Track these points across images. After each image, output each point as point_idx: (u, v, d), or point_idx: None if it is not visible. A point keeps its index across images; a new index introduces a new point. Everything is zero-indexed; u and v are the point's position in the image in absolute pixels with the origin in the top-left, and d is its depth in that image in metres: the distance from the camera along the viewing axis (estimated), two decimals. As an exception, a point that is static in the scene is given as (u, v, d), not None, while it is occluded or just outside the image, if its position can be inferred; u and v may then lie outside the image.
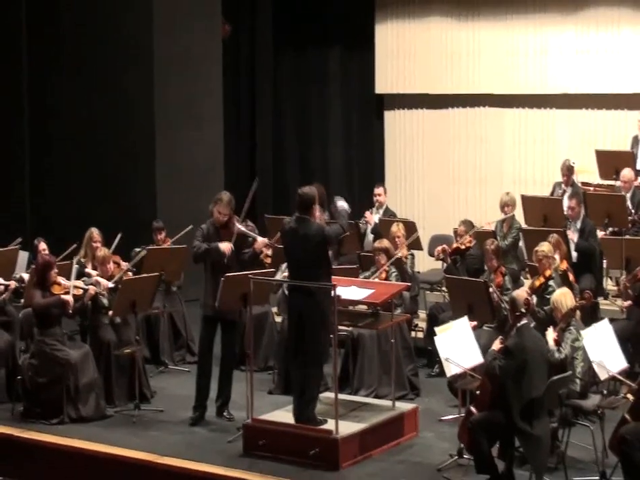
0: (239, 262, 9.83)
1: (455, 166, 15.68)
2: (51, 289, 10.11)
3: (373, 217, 12.92)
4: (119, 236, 11.24)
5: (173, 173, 14.31)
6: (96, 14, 14.43)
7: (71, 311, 10.15)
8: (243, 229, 9.94)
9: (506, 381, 8.07)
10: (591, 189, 12.73)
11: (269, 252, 11.09)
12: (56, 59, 14.80)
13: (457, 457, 8.72)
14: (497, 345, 8.38)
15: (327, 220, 11.70)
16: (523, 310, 8.31)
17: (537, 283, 10.09)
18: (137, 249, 11.49)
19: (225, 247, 9.63)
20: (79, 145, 14.67)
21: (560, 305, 8.94)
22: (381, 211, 13.12)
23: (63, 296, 10.04)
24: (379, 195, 13.27)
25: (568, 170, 12.74)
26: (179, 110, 14.40)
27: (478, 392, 8.50)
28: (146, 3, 14.13)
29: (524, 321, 8.29)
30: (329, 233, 8.89)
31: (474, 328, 9.58)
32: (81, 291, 10.34)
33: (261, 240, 10.06)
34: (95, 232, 11.52)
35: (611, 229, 11.96)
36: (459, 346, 8.95)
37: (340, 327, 9.37)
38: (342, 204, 9.23)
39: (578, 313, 9.14)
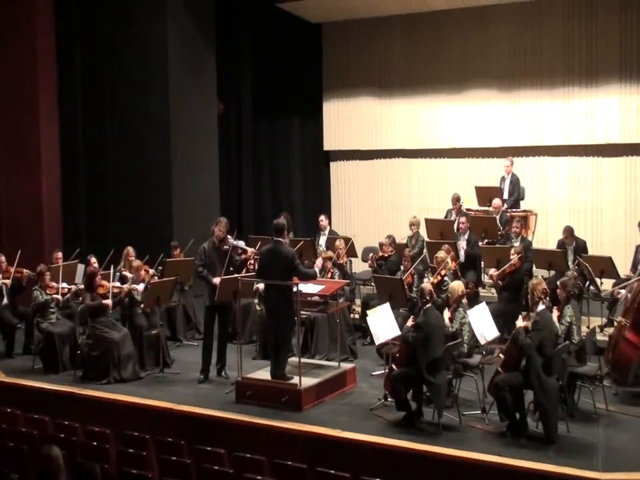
0: (232, 267, 9.83)
1: (379, 199, 15.65)
2: (96, 290, 10.07)
3: (321, 240, 12.89)
4: (147, 257, 11.19)
5: (184, 205, 14.22)
6: (129, 97, 14.37)
7: (110, 310, 10.10)
8: (235, 242, 9.97)
9: (417, 347, 8.11)
10: (472, 212, 12.80)
11: (252, 260, 11.10)
12: (102, 128, 14.70)
13: (383, 400, 8.75)
14: (410, 323, 8.43)
15: (291, 239, 11.79)
16: (428, 298, 8.38)
17: (435, 281, 10.09)
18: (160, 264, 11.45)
19: (216, 281, 9.61)
20: (119, 188, 14.59)
21: (454, 292, 9.01)
22: (326, 232, 13.08)
23: (104, 301, 9.97)
24: (321, 220, 13.15)
25: (456, 200, 12.84)
26: (188, 162, 14.36)
27: (397, 355, 8.54)
28: (163, 89, 14.08)
29: (428, 305, 8.36)
30: (297, 264, 8.83)
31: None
32: (118, 289, 10.33)
33: (250, 250, 10.13)
34: (130, 249, 11.49)
35: (486, 240, 12.01)
36: (384, 323, 8.98)
37: (301, 312, 9.37)
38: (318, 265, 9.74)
39: (465, 299, 9.21)
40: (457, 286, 9.10)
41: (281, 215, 9.40)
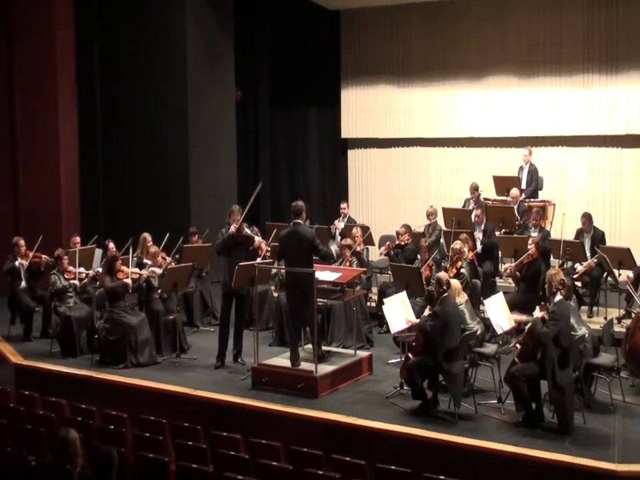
0: (246, 257, 9.86)
1: (396, 187, 15.57)
2: (117, 274, 10.09)
3: (340, 224, 12.91)
4: (166, 237, 11.16)
5: (200, 194, 14.20)
6: (147, 85, 14.36)
7: (130, 291, 10.15)
8: (248, 231, 10.01)
9: (434, 336, 8.08)
10: (490, 202, 12.74)
11: (269, 248, 11.09)
12: (120, 116, 14.70)
13: (399, 388, 8.73)
14: (427, 312, 8.40)
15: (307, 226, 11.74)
16: (445, 287, 8.35)
17: (452, 274, 9.80)
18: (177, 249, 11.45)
19: (233, 228, 9.61)
20: (136, 177, 14.57)
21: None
22: (346, 219, 13.07)
23: (125, 280, 10.02)
24: (344, 208, 13.22)
25: (475, 189, 12.77)
26: (205, 151, 14.32)
27: (413, 343, 8.51)
28: (181, 77, 14.06)
29: (445, 294, 8.32)
30: (317, 243, 8.91)
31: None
32: (137, 275, 10.35)
33: (257, 239, 10.20)
34: (147, 235, 11.44)
35: (504, 230, 11.94)
36: (400, 312, 8.94)
37: (318, 300, 9.33)
38: (335, 247, 9.86)
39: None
40: (454, 284, 8.89)
41: (297, 202, 9.35)
